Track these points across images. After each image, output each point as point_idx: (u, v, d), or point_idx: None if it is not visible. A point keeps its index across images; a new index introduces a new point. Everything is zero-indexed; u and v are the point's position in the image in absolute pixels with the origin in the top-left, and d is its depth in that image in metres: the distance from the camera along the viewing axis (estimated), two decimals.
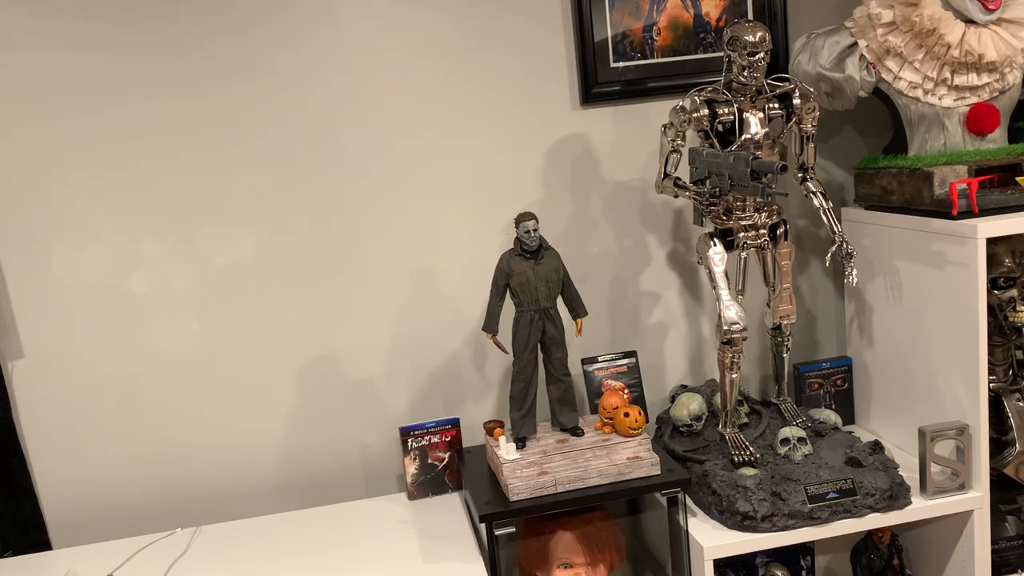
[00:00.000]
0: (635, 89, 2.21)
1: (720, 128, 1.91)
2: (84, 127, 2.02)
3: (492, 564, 1.77)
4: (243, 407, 2.18)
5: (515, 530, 1.79)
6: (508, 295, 1.88)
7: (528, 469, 1.81)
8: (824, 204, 1.96)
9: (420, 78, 2.13)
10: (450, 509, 2.05)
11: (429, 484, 2.12)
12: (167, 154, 2.06)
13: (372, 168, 2.15)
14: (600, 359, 2.16)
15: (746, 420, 2.08)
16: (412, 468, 2.11)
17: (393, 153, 2.15)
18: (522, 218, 1.85)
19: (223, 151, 2.08)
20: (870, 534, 2.11)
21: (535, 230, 1.84)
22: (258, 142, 2.10)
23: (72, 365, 2.09)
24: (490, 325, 1.89)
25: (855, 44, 2.01)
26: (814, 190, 1.97)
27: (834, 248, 1.94)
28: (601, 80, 2.19)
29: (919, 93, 1.97)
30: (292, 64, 2.08)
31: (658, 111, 2.23)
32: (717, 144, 1.92)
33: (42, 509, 2.12)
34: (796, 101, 1.93)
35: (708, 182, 1.85)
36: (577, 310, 1.93)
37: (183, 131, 2.06)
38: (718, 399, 2.07)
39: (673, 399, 2.17)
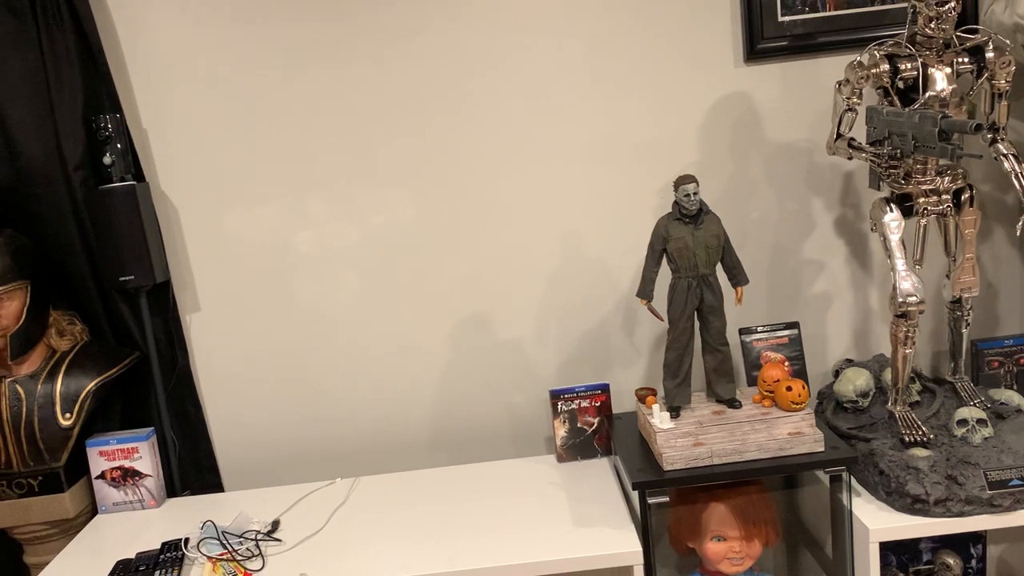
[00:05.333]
0: (804, 44, 2.09)
1: (901, 85, 1.78)
2: (253, 93, 2.11)
3: (644, 532, 1.75)
4: (398, 363, 2.24)
5: (667, 499, 1.75)
6: (665, 261, 1.83)
7: (683, 439, 1.77)
8: (1016, 167, 1.78)
9: (575, 33, 2.09)
10: (599, 474, 2.04)
11: (578, 448, 2.12)
12: (329, 117, 2.12)
13: (527, 128, 2.13)
14: (759, 329, 2.08)
15: (918, 398, 1.95)
16: (562, 431, 2.11)
17: (548, 113, 2.13)
18: (681, 181, 1.78)
19: (382, 114, 2.12)
20: None
21: (695, 193, 1.77)
22: (415, 105, 2.12)
23: (242, 319, 2.21)
24: (645, 291, 1.85)
25: None
26: (1005, 152, 1.80)
27: None
28: (767, 35, 2.08)
29: None
30: (446, 26, 2.08)
31: (829, 68, 2.09)
32: (898, 102, 1.78)
33: (215, 453, 2.26)
34: (989, 55, 1.76)
35: (888, 143, 1.72)
36: (738, 278, 1.86)
37: (344, 95, 2.11)
38: (887, 375, 1.96)
39: (837, 374, 2.06)
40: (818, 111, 2.11)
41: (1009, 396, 1.96)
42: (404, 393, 2.25)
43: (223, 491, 2.25)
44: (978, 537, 2.07)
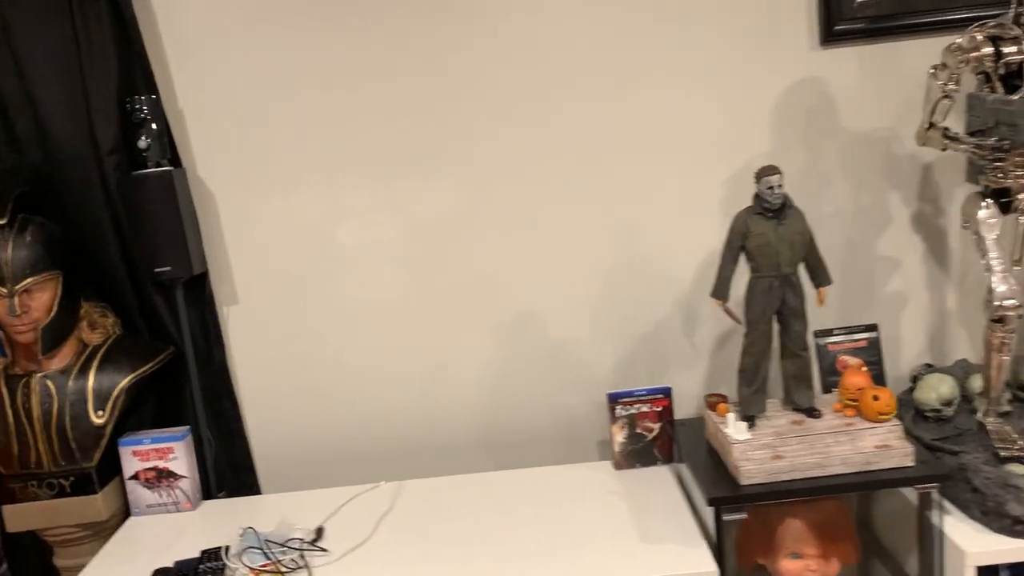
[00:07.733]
0: (884, 27, 1.95)
1: (1003, 70, 1.64)
2: (296, 75, 1.99)
3: (719, 550, 1.63)
4: (444, 361, 2.12)
5: (745, 516, 1.63)
6: (743, 258, 1.70)
7: (761, 451, 1.64)
8: None
9: (639, 17, 1.96)
10: (661, 483, 1.92)
11: (637, 455, 2.00)
12: (376, 103, 2.00)
13: (582, 118, 2.01)
14: (836, 332, 1.95)
15: (1008, 408, 1.82)
16: (620, 436, 1.99)
17: (605, 101, 2.00)
18: (764, 172, 1.65)
19: (430, 102, 2.00)
20: None
21: (780, 186, 1.64)
22: (464, 93, 1.99)
23: (281, 313, 2.10)
24: (720, 291, 1.72)
25: None
26: None
27: None
28: (846, 16, 1.94)
29: None
30: (498, 15, 1.95)
31: (912, 52, 1.95)
32: (1000, 89, 1.64)
33: (252, 453, 2.15)
34: None
35: (995, 132, 1.59)
36: (821, 278, 1.73)
37: (392, 81, 1.99)
38: (972, 382, 1.83)
39: (915, 379, 1.93)
40: (898, 98, 1.98)
41: None
42: (451, 392, 2.14)
43: (260, 493, 2.15)
44: None
